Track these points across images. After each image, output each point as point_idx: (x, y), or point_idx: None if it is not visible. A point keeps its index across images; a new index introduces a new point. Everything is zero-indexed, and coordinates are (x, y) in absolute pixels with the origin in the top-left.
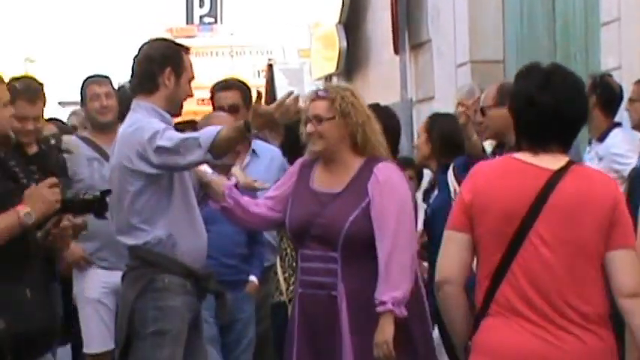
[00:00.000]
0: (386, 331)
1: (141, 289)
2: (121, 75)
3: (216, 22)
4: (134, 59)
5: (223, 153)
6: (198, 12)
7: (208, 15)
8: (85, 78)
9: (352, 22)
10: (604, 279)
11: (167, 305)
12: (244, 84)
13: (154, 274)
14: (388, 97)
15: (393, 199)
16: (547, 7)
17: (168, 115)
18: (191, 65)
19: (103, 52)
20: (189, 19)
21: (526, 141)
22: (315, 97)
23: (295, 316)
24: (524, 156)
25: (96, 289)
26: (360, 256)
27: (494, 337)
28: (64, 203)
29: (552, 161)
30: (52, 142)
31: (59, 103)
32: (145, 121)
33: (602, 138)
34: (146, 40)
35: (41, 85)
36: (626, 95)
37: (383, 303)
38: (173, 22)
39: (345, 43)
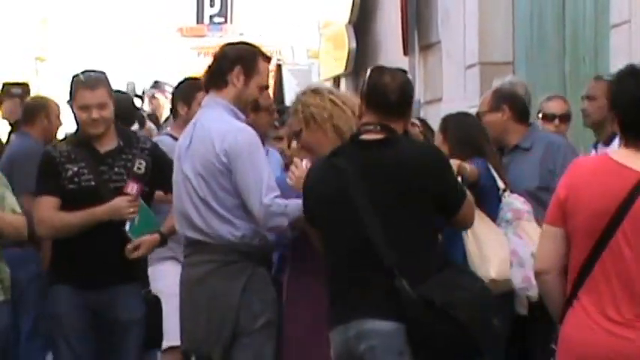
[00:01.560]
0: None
1: (245, 284)
2: (130, 74)
3: (226, 21)
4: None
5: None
6: (208, 12)
7: (218, 15)
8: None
9: (362, 23)
10: None
11: (269, 297)
12: None
13: (253, 267)
14: None
15: None
16: (557, 9)
17: (242, 115)
18: (267, 73)
19: (113, 50)
20: (199, 19)
21: (630, 140)
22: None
23: None
24: (620, 156)
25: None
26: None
27: (576, 335)
28: None
29: None
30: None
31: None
32: (257, 156)
33: (608, 141)
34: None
35: (103, 73)
36: None
37: None
38: (183, 22)
39: (354, 44)
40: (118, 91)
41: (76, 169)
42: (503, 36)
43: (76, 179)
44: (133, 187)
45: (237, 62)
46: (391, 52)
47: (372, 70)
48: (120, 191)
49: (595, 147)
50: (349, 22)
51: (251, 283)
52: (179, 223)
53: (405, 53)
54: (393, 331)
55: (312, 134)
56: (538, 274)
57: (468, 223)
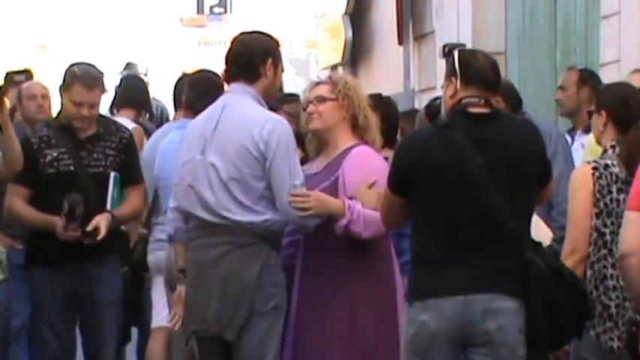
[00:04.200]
0: (327, 201)
1: (261, 267)
2: (129, 62)
3: (225, 12)
4: (231, 49)
5: None
6: (208, 2)
7: (218, 5)
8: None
9: (358, 13)
10: None
11: (280, 281)
12: None
13: (269, 250)
14: (391, 87)
15: (362, 172)
16: (549, 0)
17: (266, 107)
18: (282, 58)
19: (115, 39)
20: (199, 9)
21: None
22: (317, 83)
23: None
24: None
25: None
26: (322, 226)
27: None
28: None
29: None
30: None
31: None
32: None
33: (587, 129)
34: (242, 33)
35: (101, 72)
36: None
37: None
38: (184, 12)
39: (350, 34)
40: (133, 76)
41: (55, 154)
42: (496, 26)
43: (55, 164)
44: (74, 228)
45: (269, 54)
46: (386, 42)
47: (461, 50)
48: (97, 177)
49: (570, 134)
50: (345, 12)
51: (266, 266)
52: (190, 203)
53: (400, 43)
54: (518, 308)
55: (337, 111)
56: (622, 258)
57: (549, 197)
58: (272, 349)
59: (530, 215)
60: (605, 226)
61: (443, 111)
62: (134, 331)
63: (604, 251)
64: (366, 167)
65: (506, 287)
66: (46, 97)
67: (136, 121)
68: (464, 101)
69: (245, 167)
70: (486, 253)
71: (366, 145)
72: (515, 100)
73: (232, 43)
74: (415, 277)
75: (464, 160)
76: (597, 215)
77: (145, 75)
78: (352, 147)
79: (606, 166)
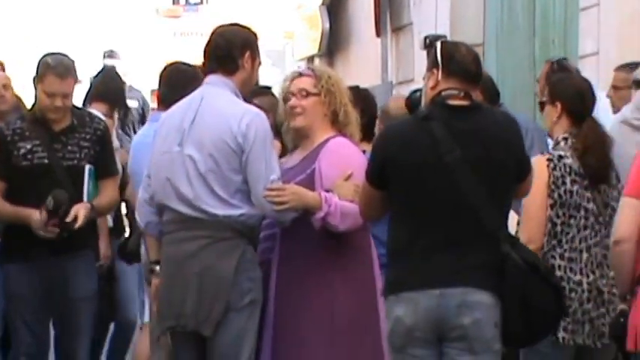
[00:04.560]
0: (303, 194)
1: (238, 261)
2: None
3: (202, 2)
4: (210, 41)
5: None
6: None
7: None
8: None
9: (335, 4)
10: None
11: (256, 276)
12: None
13: (245, 245)
14: (369, 79)
15: (339, 164)
16: None
17: (242, 99)
18: (259, 52)
19: (91, 30)
20: (175, 0)
21: None
22: (299, 74)
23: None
24: None
25: None
26: (299, 219)
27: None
28: None
29: None
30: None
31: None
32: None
33: None
34: (221, 26)
35: (73, 62)
36: (601, 81)
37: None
38: (160, 3)
39: (327, 25)
40: (110, 70)
41: (29, 146)
42: (474, 18)
43: (29, 156)
44: (54, 224)
45: (247, 47)
46: (364, 34)
47: (443, 42)
48: (72, 169)
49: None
50: (323, 3)
51: (242, 261)
52: (166, 195)
53: (378, 35)
54: (494, 302)
55: (320, 107)
56: (616, 243)
57: (527, 192)
58: (247, 344)
59: (508, 209)
60: (558, 216)
61: (423, 103)
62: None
63: (553, 242)
64: (343, 159)
65: (482, 281)
66: (7, 87)
67: (108, 116)
68: (444, 93)
69: (223, 160)
70: (463, 247)
71: (343, 137)
72: (492, 93)
73: (212, 35)
74: (391, 270)
75: (442, 153)
76: (551, 206)
77: (124, 75)
78: (329, 139)
79: (560, 157)
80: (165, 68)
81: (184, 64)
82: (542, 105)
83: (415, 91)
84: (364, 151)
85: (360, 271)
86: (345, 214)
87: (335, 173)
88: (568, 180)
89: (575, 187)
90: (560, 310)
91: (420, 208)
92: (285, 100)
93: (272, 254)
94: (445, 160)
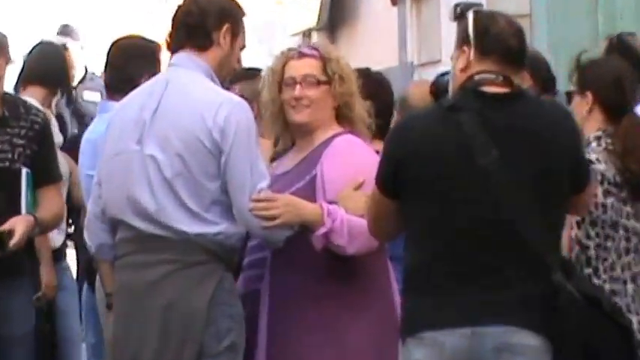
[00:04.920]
0: (300, 206)
1: (213, 293)
2: (90, 38)
3: None
4: (180, 8)
5: None
6: None
7: None
8: None
9: None
10: None
11: (238, 313)
12: None
13: (223, 271)
14: (383, 60)
15: (347, 169)
16: None
17: (219, 84)
18: (245, 31)
19: (47, 3)
20: None
21: None
22: (300, 54)
23: None
24: None
25: None
26: (295, 239)
27: None
28: None
29: None
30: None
31: None
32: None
33: None
34: None
35: (4, 36)
36: None
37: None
38: None
39: None
40: (48, 44)
41: None
42: None
43: None
44: None
45: (226, 19)
46: (376, 2)
47: (477, 12)
48: (3, 173)
49: None
50: None
51: (219, 292)
52: (120, 208)
53: (394, 3)
54: (543, 346)
55: (329, 99)
56: None
57: (587, 206)
58: None
59: (561, 228)
60: (589, 237)
61: (450, 89)
62: None
63: (588, 270)
64: (352, 162)
65: (527, 319)
66: None
67: (45, 103)
68: (477, 77)
69: (194, 162)
70: (502, 275)
71: (351, 135)
72: (546, 78)
73: (184, 1)
74: (408, 304)
75: (474, 152)
76: (578, 224)
77: (82, 48)
78: (334, 136)
79: (589, 162)
80: (113, 43)
81: (142, 38)
82: (569, 95)
83: (443, 74)
84: (377, 152)
85: (375, 307)
86: (355, 233)
87: (342, 180)
88: (600, 191)
89: (610, 200)
90: (631, 358)
91: (445, 225)
92: (280, 86)
93: (260, 285)
94: (479, 162)
